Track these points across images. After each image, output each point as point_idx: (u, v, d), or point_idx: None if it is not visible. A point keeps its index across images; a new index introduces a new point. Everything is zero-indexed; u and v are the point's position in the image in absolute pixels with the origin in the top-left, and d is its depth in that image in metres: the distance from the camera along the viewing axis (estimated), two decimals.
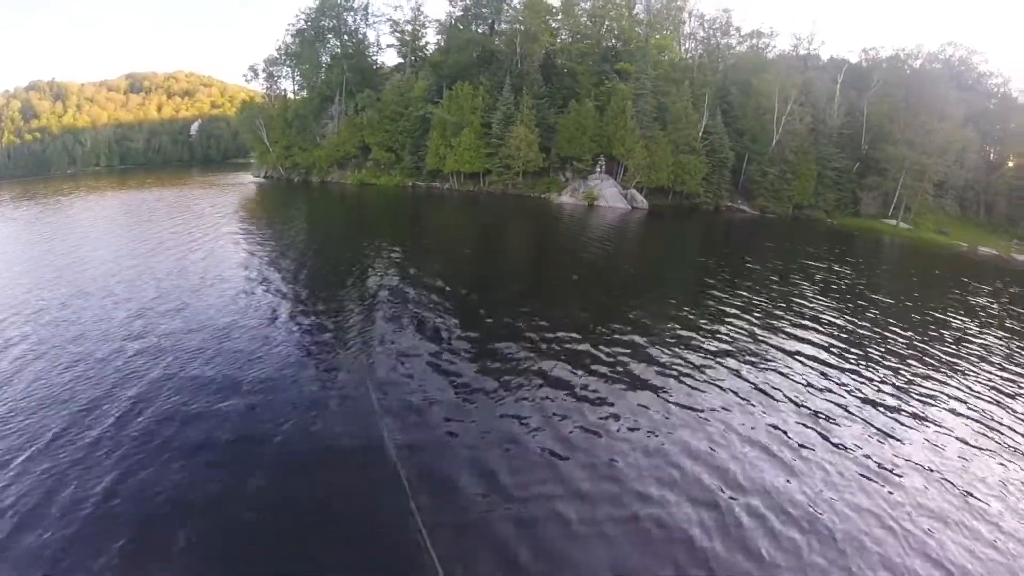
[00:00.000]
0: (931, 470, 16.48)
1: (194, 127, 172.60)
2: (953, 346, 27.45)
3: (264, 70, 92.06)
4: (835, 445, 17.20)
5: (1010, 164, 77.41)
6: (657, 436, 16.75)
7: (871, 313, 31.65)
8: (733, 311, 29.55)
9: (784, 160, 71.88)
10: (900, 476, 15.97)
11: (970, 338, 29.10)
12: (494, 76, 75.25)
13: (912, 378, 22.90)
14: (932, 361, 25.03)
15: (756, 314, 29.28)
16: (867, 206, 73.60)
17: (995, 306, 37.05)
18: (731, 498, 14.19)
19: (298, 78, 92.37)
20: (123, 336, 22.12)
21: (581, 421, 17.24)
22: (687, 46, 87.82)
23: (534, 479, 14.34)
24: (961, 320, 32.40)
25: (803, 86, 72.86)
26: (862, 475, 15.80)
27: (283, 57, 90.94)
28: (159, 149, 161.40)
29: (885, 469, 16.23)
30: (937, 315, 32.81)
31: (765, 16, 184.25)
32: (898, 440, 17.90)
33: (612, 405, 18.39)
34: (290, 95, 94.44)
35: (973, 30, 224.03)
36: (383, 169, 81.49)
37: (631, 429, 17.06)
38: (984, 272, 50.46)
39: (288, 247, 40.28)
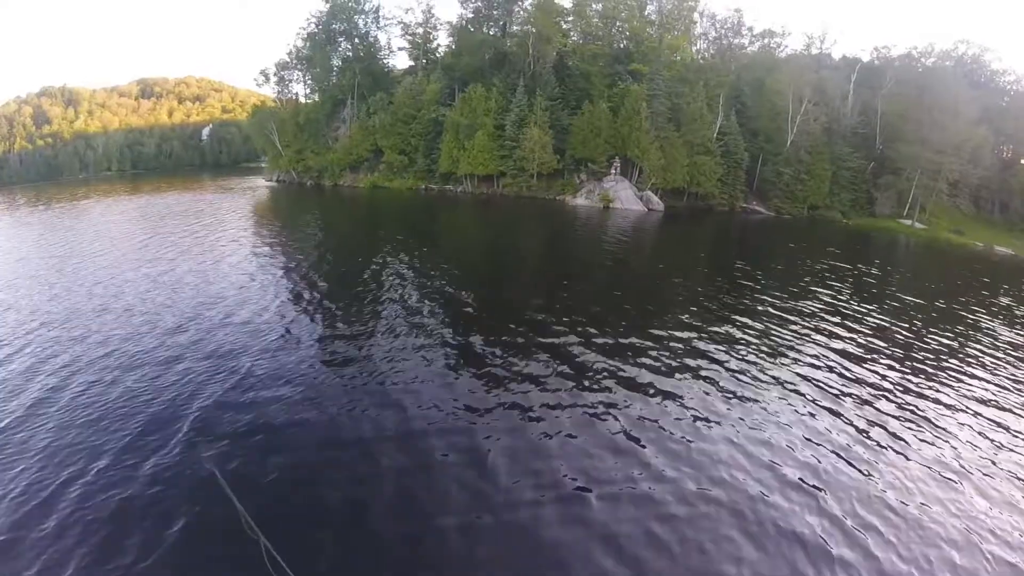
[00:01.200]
0: (991, 464, 16.43)
1: (205, 132, 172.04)
2: (991, 347, 26.99)
3: (275, 74, 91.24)
4: (894, 439, 17.17)
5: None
6: (713, 432, 16.55)
7: (907, 315, 31.10)
8: (773, 312, 29.17)
9: (799, 160, 71.06)
10: (965, 471, 15.89)
11: (1006, 338, 28.72)
12: (507, 78, 74.50)
13: (956, 377, 22.59)
14: (973, 361, 24.67)
15: (795, 314, 28.90)
16: (882, 206, 72.39)
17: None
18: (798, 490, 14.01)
19: (309, 82, 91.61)
20: (138, 351, 20.87)
21: (626, 421, 16.86)
22: (698, 46, 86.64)
23: (572, 488, 13.83)
24: (994, 322, 31.85)
25: (817, 85, 71.52)
26: (928, 468, 15.78)
27: (294, 61, 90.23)
28: (170, 154, 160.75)
29: (946, 464, 16.12)
30: (971, 318, 32.17)
31: (776, 15, 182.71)
32: (954, 435, 17.80)
33: (657, 406, 17.96)
34: (302, 99, 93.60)
35: (985, 27, 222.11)
36: (396, 172, 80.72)
37: (680, 428, 16.73)
38: (1005, 272, 49.78)
39: (304, 252, 39.59)
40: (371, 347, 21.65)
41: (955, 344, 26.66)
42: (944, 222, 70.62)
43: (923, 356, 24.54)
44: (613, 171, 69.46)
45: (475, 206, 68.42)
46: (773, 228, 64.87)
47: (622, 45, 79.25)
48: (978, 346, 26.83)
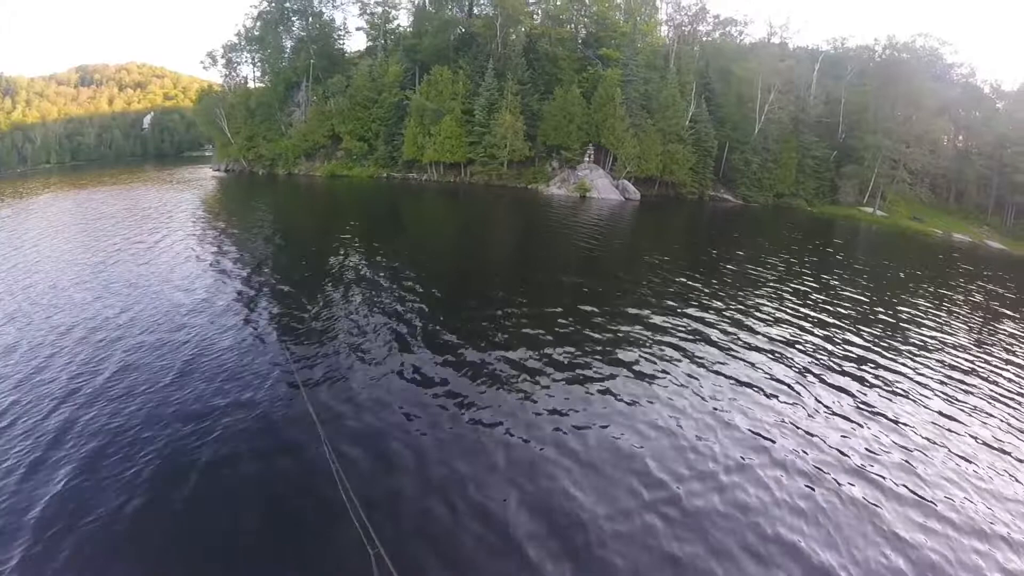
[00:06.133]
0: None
1: (147, 120, 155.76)
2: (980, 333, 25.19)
3: (223, 56, 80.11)
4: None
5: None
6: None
7: (892, 300, 28.67)
8: (767, 300, 26.21)
9: (766, 149, 66.49)
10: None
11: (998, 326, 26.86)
12: (474, 60, 66.23)
13: (954, 362, 20.62)
14: (966, 346, 22.69)
15: (782, 299, 26.49)
16: (845, 194, 68.98)
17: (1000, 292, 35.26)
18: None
19: (259, 64, 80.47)
20: (76, 358, 16.37)
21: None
22: (662, 33, 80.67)
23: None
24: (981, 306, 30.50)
25: (784, 75, 66.86)
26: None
27: (243, 42, 79.19)
28: (111, 144, 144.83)
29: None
30: (957, 302, 30.60)
31: (732, 3, 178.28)
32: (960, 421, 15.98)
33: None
34: (251, 83, 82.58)
35: (938, 19, 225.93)
36: (355, 160, 71.37)
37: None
38: (972, 259, 48.09)
39: (254, 247, 31.91)
40: (335, 349, 17.42)
41: (952, 332, 24.43)
42: (903, 210, 67.89)
43: (919, 344, 22.20)
44: (587, 159, 62.92)
45: (443, 195, 60.12)
46: (745, 216, 60.08)
47: (583, 32, 72.13)
48: (972, 334, 24.72)
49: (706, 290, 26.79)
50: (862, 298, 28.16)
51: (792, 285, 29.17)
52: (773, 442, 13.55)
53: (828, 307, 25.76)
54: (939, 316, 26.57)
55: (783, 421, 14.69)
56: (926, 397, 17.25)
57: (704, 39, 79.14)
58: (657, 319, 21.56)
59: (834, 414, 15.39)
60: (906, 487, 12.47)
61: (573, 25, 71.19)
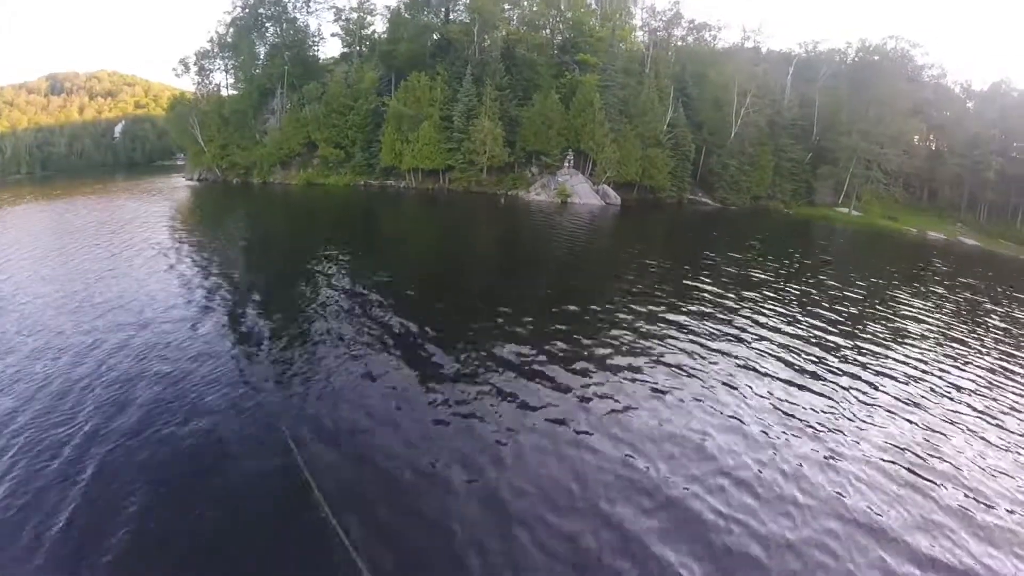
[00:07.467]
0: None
1: (118, 129, 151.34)
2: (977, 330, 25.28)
3: (196, 63, 77.79)
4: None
5: None
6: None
7: (888, 298, 29.15)
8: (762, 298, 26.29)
9: (743, 152, 66.38)
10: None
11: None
12: (452, 66, 65.04)
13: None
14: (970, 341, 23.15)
15: (780, 300, 26.36)
16: (820, 195, 69.59)
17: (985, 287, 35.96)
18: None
19: (233, 71, 78.27)
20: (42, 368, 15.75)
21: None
22: (638, 37, 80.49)
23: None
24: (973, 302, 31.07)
25: (760, 79, 67.06)
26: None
27: (216, 49, 76.95)
28: (81, 153, 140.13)
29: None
30: (948, 297, 31.39)
31: (706, 8, 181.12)
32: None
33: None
34: (223, 91, 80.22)
35: (909, 21, 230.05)
36: (332, 168, 69.69)
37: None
38: (948, 256, 49.09)
39: (227, 261, 30.49)
40: (311, 365, 16.50)
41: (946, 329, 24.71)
42: (878, 209, 68.45)
43: (916, 343, 22.21)
44: (567, 164, 62.21)
45: (422, 202, 58.85)
46: (725, 218, 60.09)
47: (559, 38, 71.47)
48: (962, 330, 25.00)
49: (707, 291, 26.50)
50: (857, 296, 28.48)
51: (787, 285, 29.37)
52: (822, 430, 14.10)
53: (828, 304, 26.09)
54: (934, 310, 27.46)
55: (809, 410, 15.12)
56: (933, 380, 18.10)
57: (679, 44, 79.25)
58: (664, 319, 21.61)
59: (862, 403, 15.85)
60: (946, 475, 12.80)
61: (549, 31, 70.64)
